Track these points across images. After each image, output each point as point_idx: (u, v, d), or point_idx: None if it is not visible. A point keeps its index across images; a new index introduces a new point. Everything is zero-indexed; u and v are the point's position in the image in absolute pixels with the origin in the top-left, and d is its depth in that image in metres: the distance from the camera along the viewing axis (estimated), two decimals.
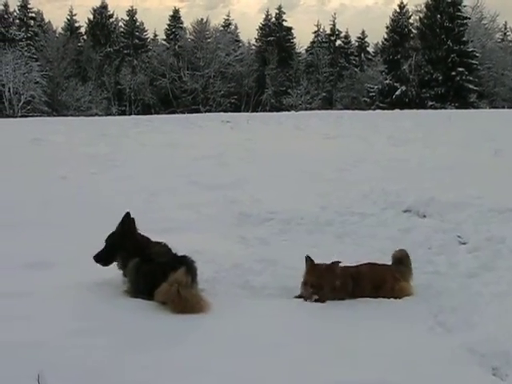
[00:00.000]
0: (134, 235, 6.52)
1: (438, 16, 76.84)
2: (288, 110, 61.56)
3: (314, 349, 4.98)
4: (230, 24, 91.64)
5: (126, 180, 13.68)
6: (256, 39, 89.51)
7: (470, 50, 75.98)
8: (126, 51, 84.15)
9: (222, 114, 46.74)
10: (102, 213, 9.98)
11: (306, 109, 67.61)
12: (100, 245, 6.76)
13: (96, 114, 63.78)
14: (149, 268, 6.09)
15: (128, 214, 6.56)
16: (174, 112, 69.08)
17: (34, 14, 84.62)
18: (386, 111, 49.62)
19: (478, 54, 76.45)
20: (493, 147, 18.35)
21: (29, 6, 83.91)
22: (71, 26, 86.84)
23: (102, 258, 6.52)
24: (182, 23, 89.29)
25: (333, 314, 5.89)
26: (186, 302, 5.67)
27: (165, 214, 9.67)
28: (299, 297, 6.34)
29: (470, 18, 79.57)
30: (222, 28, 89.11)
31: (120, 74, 79.45)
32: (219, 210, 10.61)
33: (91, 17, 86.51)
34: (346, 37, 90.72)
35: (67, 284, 6.21)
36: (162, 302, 5.77)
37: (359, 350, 4.98)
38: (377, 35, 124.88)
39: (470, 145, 19.99)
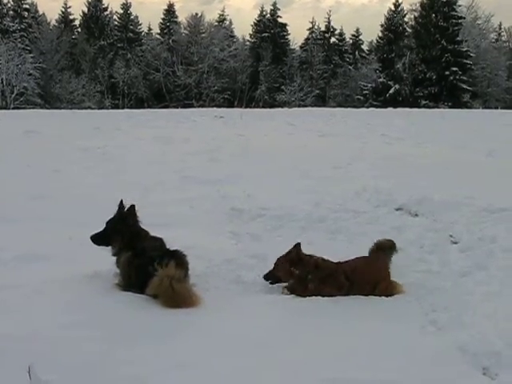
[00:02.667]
0: (133, 224, 6.53)
1: (433, 15, 77.00)
2: (281, 107, 61.63)
3: (306, 346, 4.98)
4: (224, 19, 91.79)
5: (119, 174, 13.65)
6: (250, 35, 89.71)
7: (464, 49, 76.16)
8: (119, 45, 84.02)
9: (215, 109, 46.67)
10: (94, 206, 9.96)
11: (300, 106, 67.74)
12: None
13: (89, 107, 63.74)
14: (140, 262, 6.09)
15: (133, 206, 6.60)
16: (166, 106, 69.11)
17: (28, 6, 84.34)
18: (379, 109, 49.71)
19: (472, 54, 76.61)
20: (486, 147, 18.39)
21: None
22: (65, 19, 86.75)
23: (98, 240, 6.55)
24: (176, 18, 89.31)
25: (324, 311, 5.88)
26: (178, 295, 5.67)
27: (158, 208, 9.64)
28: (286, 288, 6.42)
29: (464, 18, 79.70)
30: (216, 23, 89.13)
31: (113, 67, 79.35)
32: (212, 205, 10.60)
33: (86, 9, 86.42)
34: (341, 34, 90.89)
35: (59, 277, 6.21)
36: (154, 296, 5.77)
37: (351, 348, 4.99)
38: (371, 33, 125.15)
39: (463, 145, 20.03)
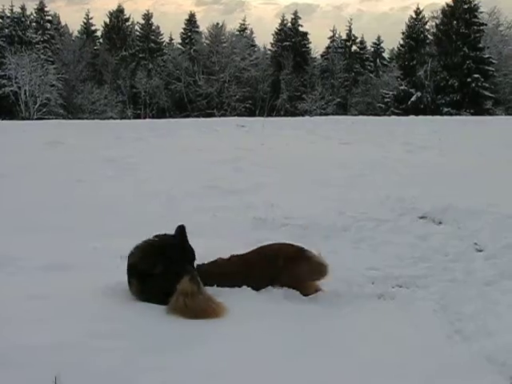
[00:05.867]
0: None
1: (455, 22, 76.59)
2: (303, 115, 61.55)
3: (328, 356, 4.95)
4: (245, 29, 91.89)
5: (143, 184, 13.69)
6: (271, 44, 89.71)
7: (486, 56, 75.65)
8: (141, 55, 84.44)
9: (236, 118, 46.70)
10: (118, 216, 10.04)
11: (321, 114, 67.57)
12: (116, 247, 6.80)
13: (111, 118, 64.04)
14: (153, 282, 6.00)
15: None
16: (188, 116, 69.24)
17: (50, 17, 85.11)
18: (401, 117, 49.49)
19: (494, 61, 76.11)
20: (509, 154, 18.28)
21: (46, 9, 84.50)
22: (87, 30, 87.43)
23: None
24: (197, 27, 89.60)
25: (346, 319, 5.87)
26: (196, 311, 5.63)
27: (181, 218, 9.63)
28: None
29: (486, 25, 79.22)
30: (237, 32, 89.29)
31: (135, 77, 79.77)
32: (235, 214, 10.60)
33: (107, 20, 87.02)
34: (362, 42, 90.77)
35: (84, 287, 6.23)
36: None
37: (374, 358, 4.96)
38: (392, 41, 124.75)
39: (486, 152, 19.89)
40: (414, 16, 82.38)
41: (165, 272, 6.00)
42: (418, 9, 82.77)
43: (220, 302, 5.80)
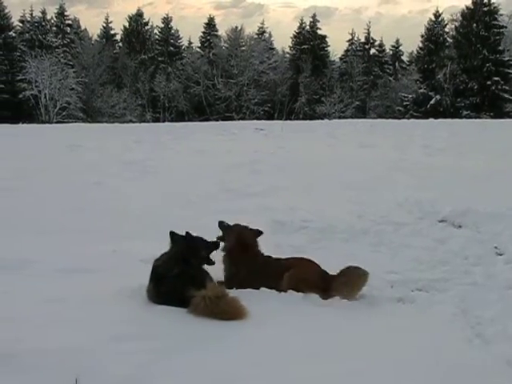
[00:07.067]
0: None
1: (474, 25, 76.22)
2: (321, 119, 61.46)
3: (346, 359, 4.92)
4: (264, 32, 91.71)
5: (161, 187, 13.73)
6: (290, 47, 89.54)
7: (506, 59, 75.26)
8: (160, 58, 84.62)
9: (255, 121, 46.77)
10: (137, 219, 10.06)
11: (340, 117, 67.41)
12: (136, 250, 6.79)
13: (130, 121, 64.21)
14: (168, 284, 6.02)
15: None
16: (207, 119, 69.30)
17: (70, 22, 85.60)
18: (420, 120, 49.28)
19: None
20: None
21: (66, 14, 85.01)
22: (107, 34, 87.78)
23: None
24: (216, 31, 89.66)
25: (367, 323, 5.85)
26: (222, 313, 5.63)
27: (200, 221, 9.67)
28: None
29: (506, 27, 78.72)
30: (256, 36, 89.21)
31: (154, 81, 79.90)
32: (254, 217, 10.53)
33: (127, 24, 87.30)
34: (381, 45, 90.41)
35: (104, 290, 6.24)
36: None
37: (394, 360, 4.93)
38: (411, 44, 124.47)
39: (506, 154, 19.76)
40: (434, 19, 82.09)
41: (180, 274, 6.03)
42: (438, 11, 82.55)
43: (242, 303, 5.79)
